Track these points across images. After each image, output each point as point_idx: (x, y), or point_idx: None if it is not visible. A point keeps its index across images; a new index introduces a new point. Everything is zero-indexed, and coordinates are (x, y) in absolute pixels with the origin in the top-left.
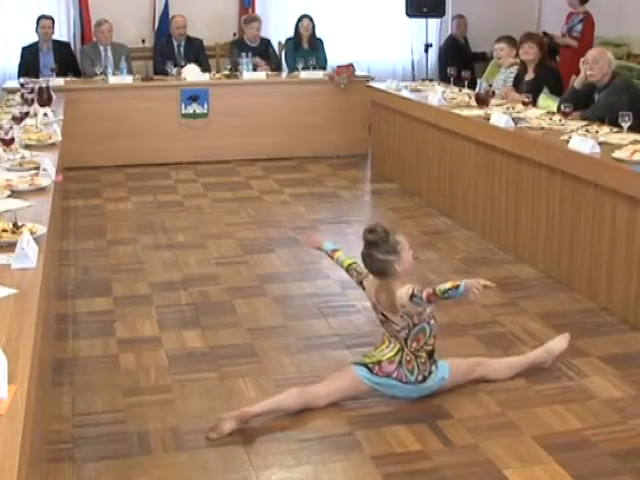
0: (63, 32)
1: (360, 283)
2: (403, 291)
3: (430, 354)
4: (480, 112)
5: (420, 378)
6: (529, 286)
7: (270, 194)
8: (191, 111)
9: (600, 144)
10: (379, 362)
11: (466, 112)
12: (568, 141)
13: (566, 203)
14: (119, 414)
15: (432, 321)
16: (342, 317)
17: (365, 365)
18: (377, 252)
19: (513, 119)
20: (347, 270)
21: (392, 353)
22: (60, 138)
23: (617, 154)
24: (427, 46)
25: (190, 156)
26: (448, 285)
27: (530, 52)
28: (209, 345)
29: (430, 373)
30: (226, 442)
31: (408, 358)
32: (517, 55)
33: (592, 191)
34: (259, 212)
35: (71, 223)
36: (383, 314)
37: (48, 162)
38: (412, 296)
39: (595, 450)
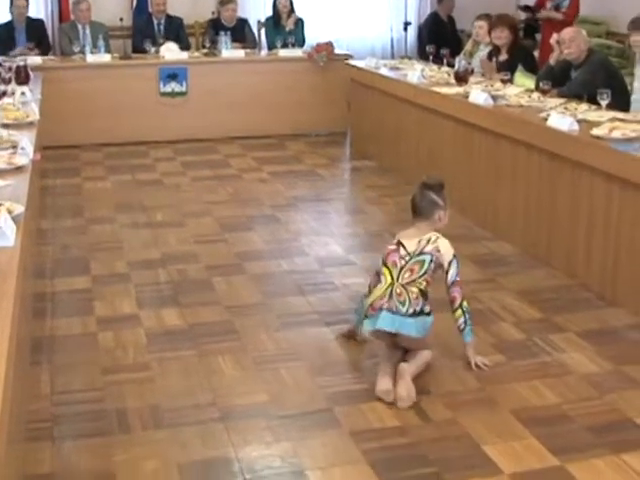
0: (40, 10)
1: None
2: (447, 243)
3: (423, 293)
4: (459, 90)
5: (411, 311)
6: (507, 263)
7: (249, 172)
8: (170, 89)
9: (578, 121)
10: (371, 304)
11: (445, 90)
12: (547, 118)
13: (544, 180)
14: (98, 392)
15: (433, 262)
16: (321, 294)
17: (365, 317)
18: (431, 192)
19: (492, 97)
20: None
21: (381, 290)
22: (38, 117)
23: (595, 131)
24: (406, 24)
25: (169, 134)
26: (468, 324)
27: (502, 37)
28: (188, 323)
29: (422, 311)
30: (205, 419)
31: (399, 291)
32: (489, 37)
33: (570, 168)
34: (238, 190)
35: (49, 202)
36: (399, 242)
37: (26, 141)
38: (455, 256)
39: (572, 425)
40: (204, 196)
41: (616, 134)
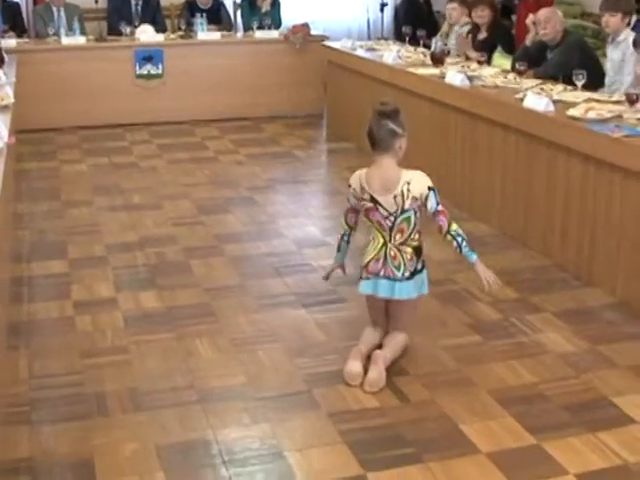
0: None
1: (356, 200)
2: (419, 176)
3: (417, 251)
4: (435, 71)
5: (407, 274)
6: (484, 243)
7: (226, 154)
8: (145, 72)
9: (554, 102)
10: (366, 265)
11: (421, 71)
12: (523, 99)
13: (521, 161)
14: (76, 376)
15: (417, 212)
16: (298, 276)
17: (360, 278)
18: (389, 121)
19: (468, 77)
20: (348, 227)
21: (376, 251)
22: (12, 100)
23: (571, 112)
24: (383, 5)
25: (145, 117)
26: (463, 246)
27: (483, 15)
28: (166, 306)
29: (416, 271)
30: (184, 402)
31: (392, 253)
32: (470, 15)
33: (546, 149)
34: (215, 172)
35: (25, 186)
36: (372, 198)
37: (0, 124)
38: (431, 187)
39: (549, 404)
40: (181, 179)
41: (592, 115)
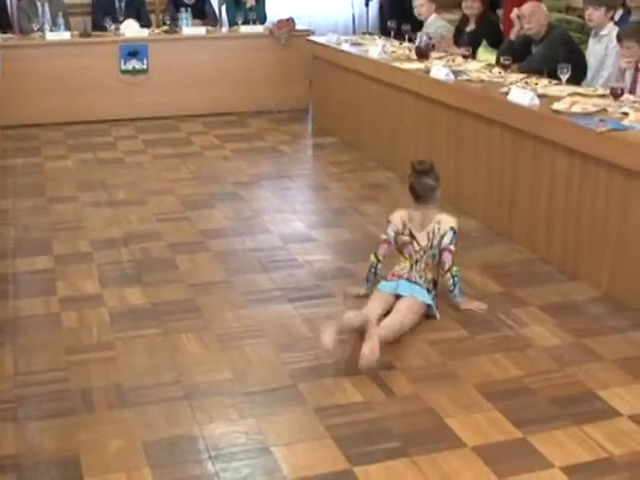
0: None
1: (395, 234)
2: (448, 217)
3: (434, 283)
4: (420, 65)
5: (426, 286)
6: (469, 237)
7: (211, 150)
8: (130, 67)
9: (539, 96)
10: (393, 270)
11: (406, 65)
12: (507, 93)
13: (506, 155)
14: (62, 372)
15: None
16: (284, 271)
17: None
18: (428, 179)
19: (453, 72)
20: (377, 260)
21: (403, 270)
22: None
23: (556, 106)
24: (367, 0)
25: (130, 112)
26: (456, 287)
27: (474, 6)
28: (151, 301)
29: (429, 291)
30: (170, 397)
31: (416, 271)
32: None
33: (531, 143)
34: (200, 168)
35: (10, 182)
36: (411, 233)
37: None
38: (453, 228)
39: (534, 397)
40: (166, 174)
41: (576, 109)
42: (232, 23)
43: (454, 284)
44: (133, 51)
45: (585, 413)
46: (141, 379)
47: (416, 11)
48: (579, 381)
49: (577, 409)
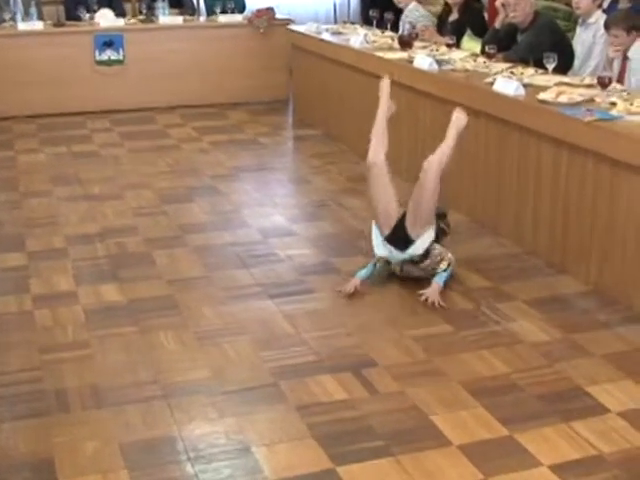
0: None
1: None
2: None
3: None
4: (403, 55)
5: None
6: (454, 231)
7: (189, 142)
8: (106, 58)
9: (525, 86)
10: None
11: (389, 55)
12: (492, 83)
13: (491, 146)
14: (36, 372)
15: None
16: (264, 266)
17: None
18: (440, 222)
19: (437, 61)
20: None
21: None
22: None
23: (542, 96)
24: None
25: (106, 104)
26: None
27: None
28: (128, 298)
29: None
30: (147, 397)
31: None
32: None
33: (517, 134)
34: (178, 161)
35: None
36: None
37: None
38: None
39: (522, 394)
40: (143, 168)
41: (563, 98)
42: (210, 12)
43: (445, 270)
44: (108, 41)
45: (574, 410)
46: (117, 378)
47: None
48: (567, 377)
49: (566, 406)
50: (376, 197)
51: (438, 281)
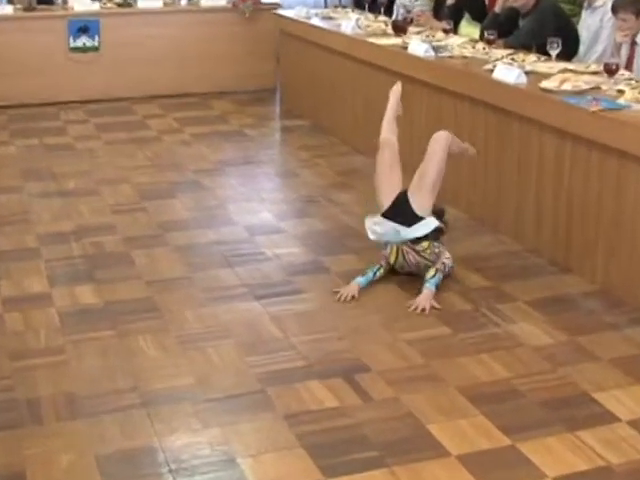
0: None
1: None
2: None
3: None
4: (397, 41)
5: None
6: (452, 228)
7: (170, 134)
8: (80, 44)
9: (527, 73)
10: None
11: (382, 41)
12: (492, 71)
13: (491, 138)
14: (6, 381)
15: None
16: (250, 266)
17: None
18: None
19: (433, 48)
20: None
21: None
22: None
23: (545, 84)
24: None
25: (80, 94)
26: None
27: None
28: (105, 301)
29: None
30: (126, 406)
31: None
32: None
33: (518, 124)
34: (158, 154)
35: None
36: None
37: None
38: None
39: (524, 400)
40: (120, 161)
41: (567, 86)
42: None
43: (434, 276)
44: (83, 27)
45: (580, 418)
46: (94, 386)
47: None
48: (573, 383)
49: (571, 413)
50: (381, 177)
51: (429, 287)
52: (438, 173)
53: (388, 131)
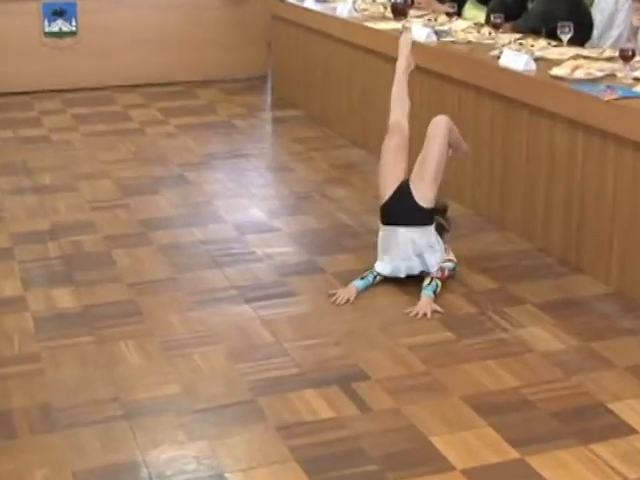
0: None
1: None
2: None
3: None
4: (397, 25)
5: None
6: (456, 225)
7: (153, 125)
8: (56, 29)
9: (536, 60)
10: None
11: (381, 25)
12: (499, 57)
13: (497, 129)
14: None
15: None
16: (240, 266)
17: None
18: (439, 217)
19: (435, 32)
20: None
21: None
22: None
23: (556, 71)
24: None
25: (57, 82)
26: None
27: None
28: (83, 304)
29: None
30: (106, 418)
31: None
32: None
33: (527, 114)
34: (140, 147)
35: None
36: None
37: None
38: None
39: (534, 411)
40: (100, 155)
41: (579, 74)
42: None
43: (429, 282)
44: (59, 10)
45: (594, 430)
46: (71, 397)
47: None
48: (586, 392)
49: (584, 425)
50: (384, 166)
51: (427, 293)
52: (439, 160)
53: (398, 110)
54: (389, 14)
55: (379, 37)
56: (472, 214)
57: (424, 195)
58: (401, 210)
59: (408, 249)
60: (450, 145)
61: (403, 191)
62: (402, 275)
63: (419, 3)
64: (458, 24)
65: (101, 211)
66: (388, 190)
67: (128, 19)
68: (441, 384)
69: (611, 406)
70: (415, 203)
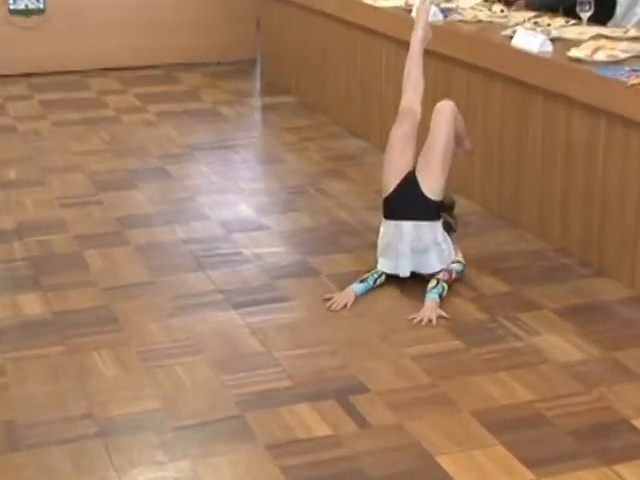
0: None
1: None
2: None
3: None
4: (399, 2)
5: None
6: (464, 223)
7: (130, 113)
8: (22, 6)
9: (552, 40)
10: None
11: (382, 2)
12: (512, 37)
13: (509, 116)
14: None
15: None
16: (226, 268)
17: None
18: (445, 214)
19: (442, 10)
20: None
21: None
22: None
23: (574, 53)
24: None
25: (23, 65)
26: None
27: None
28: (53, 311)
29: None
30: (78, 436)
31: None
32: None
33: (542, 100)
34: (116, 137)
35: None
36: None
37: None
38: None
39: (550, 428)
40: (71, 146)
41: (600, 55)
42: None
43: (435, 285)
44: None
45: (617, 449)
46: (40, 413)
47: None
48: (608, 407)
49: (606, 444)
50: (390, 155)
51: (432, 297)
52: (446, 148)
53: (410, 92)
54: None
55: (380, 15)
56: (482, 211)
57: (431, 186)
58: (407, 202)
59: (413, 245)
60: (455, 135)
61: (409, 182)
62: (405, 274)
63: None
64: (467, 1)
65: (72, 208)
66: (392, 182)
67: None
68: (448, 398)
69: (636, 422)
70: (422, 194)
